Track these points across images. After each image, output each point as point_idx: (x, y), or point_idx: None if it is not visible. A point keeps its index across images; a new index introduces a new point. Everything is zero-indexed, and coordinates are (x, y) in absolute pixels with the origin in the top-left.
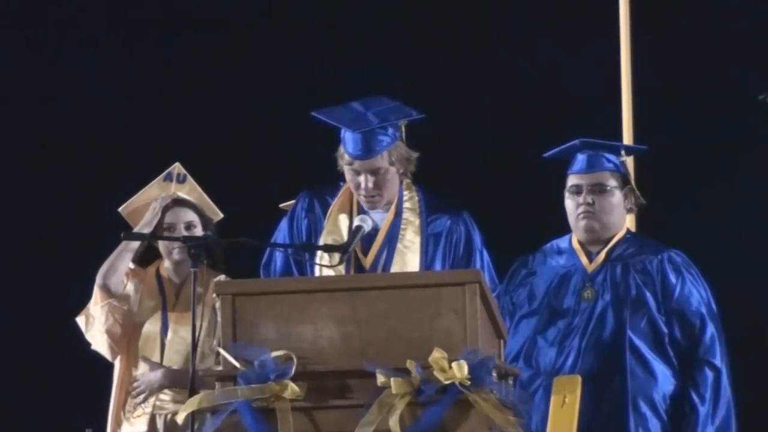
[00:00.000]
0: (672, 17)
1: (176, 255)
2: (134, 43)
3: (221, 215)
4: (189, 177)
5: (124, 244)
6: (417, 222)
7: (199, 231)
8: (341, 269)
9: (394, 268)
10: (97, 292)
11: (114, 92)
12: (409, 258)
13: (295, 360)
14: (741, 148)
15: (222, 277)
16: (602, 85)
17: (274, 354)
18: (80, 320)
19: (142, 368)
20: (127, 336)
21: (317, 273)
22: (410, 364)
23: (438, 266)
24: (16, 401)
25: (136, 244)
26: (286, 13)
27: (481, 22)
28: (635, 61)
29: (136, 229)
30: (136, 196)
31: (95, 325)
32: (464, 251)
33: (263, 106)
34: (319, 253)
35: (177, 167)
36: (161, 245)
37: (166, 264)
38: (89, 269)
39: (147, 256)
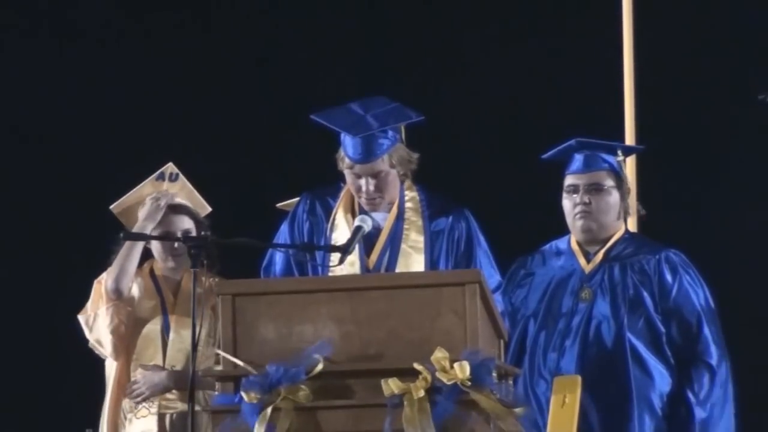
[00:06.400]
0: (674, 17)
1: (171, 263)
2: (132, 42)
3: (209, 209)
4: (181, 175)
5: (129, 244)
6: (419, 221)
7: None
8: (357, 269)
9: (399, 268)
10: (104, 294)
11: (112, 91)
12: (414, 258)
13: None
14: (741, 148)
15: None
16: (604, 86)
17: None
18: (82, 319)
19: (141, 372)
20: (130, 335)
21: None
22: (422, 368)
23: (442, 264)
24: (17, 401)
25: (141, 244)
26: (287, 13)
27: (481, 21)
28: (637, 61)
29: (138, 223)
30: (128, 194)
31: (100, 325)
32: (465, 248)
33: (262, 105)
34: (332, 257)
35: (170, 167)
36: (156, 251)
37: (160, 263)
38: (88, 268)
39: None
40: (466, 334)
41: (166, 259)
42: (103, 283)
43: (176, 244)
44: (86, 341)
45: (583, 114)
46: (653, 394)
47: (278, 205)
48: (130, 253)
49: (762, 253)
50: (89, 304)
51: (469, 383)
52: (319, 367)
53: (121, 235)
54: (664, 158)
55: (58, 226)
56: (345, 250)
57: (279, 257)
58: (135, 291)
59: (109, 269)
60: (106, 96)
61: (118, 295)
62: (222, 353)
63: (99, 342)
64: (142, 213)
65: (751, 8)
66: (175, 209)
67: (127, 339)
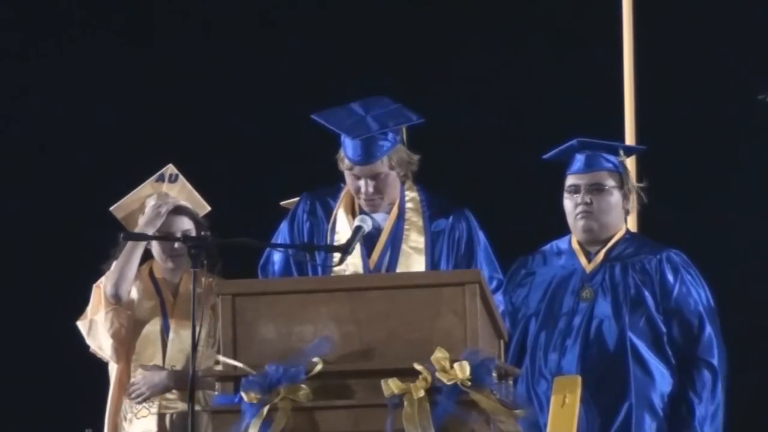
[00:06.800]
0: (674, 18)
1: (170, 263)
2: (132, 42)
3: (209, 208)
4: (181, 176)
5: (129, 249)
6: (420, 222)
7: None
8: (359, 269)
9: (400, 269)
10: (103, 299)
11: (112, 92)
12: (414, 258)
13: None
14: (741, 147)
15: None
16: (604, 86)
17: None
18: (81, 325)
19: (141, 372)
20: (131, 338)
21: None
22: (422, 368)
23: (442, 265)
24: (17, 401)
25: (141, 249)
26: (287, 13)
27: (482, 22)
28: (637, 62)
29: (137, 229)
30: (128, 196)
31: (100, 330)
32: (466, 249)
33: (262, 104)
34: (335, 258)
35: (169, 168)
36: (156, 252)
37: (160, 263)
38: (87, 270)
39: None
40: (466, 334)
41: (165, 260)
42: (102, 287)
43: (176, 245)
44: (86, 344)
45: (583, 114)
46: (654, 394)
47: (282, 203)
48: (129, 258)
49: (762, 253)
50: (89, 309)
51: (469, 383)
52: (319, 367)
53: (122, 235)
54: (664, 158)
55: (59, 228)
56: (345, 250)
57: (277, 256)
58: (134, 293)
59: (108, 273)
60: (106, 97)
61: (117, 300)
62: (222, 359)
63: (100, 347)
64: (142, 220)
65: (751, 9)
66: (175, 210)
67: (127, 342)
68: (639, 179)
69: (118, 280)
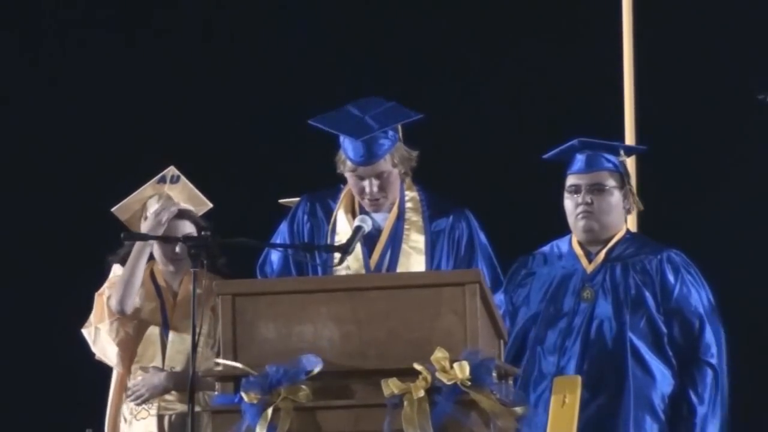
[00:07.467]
0: (674, 17)
1: (171, 267)
2: (133, 41)
3: (210, 205)
4: (182, 177)
5: (132, 262)
6: (420, 221)
7: None
8: (360, 269)
9: (400, 269)
10: (107, 310)
11: (114, 93)
12: (414, 258)
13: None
14: (740, 147)
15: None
16: (605, 85)
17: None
18: (86, 332)
19: (141, 374)
20: (136, 344)
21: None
22: (422, 368)
23: (443, 264)
24: (17, 401)
25: (144, 261)
26: (286, 13)
27: (481, 20)
28: (637, 61)
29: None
30: (129, 197)
31: (104, 338)
32: (466, 248)
33: (262, 103)
34: (336, 258)
35: (171, 170)
36: (157, 255)
37: (161, 266)
38: (87, 270)
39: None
40: (466, 334)
41: (166, 264)
42: (104, 297)
43: (177, 249)
44: (91, 350)
45: (583, 114)
46: (654, 395)
47: (281, 201)
48: (133, 272)
49: (762, 252)
50: (92, 317)
51: (469, 383)
52: (319, 367)
53: (123, 235)
54: (665, 158)
55: (60, 229)
56: (345, 250)
57: (276, 256)
58: (140, 298)
59: (112, 285)
60: (106, 96)
61: (122, 314)
62: (222, 362)
63: (105, 354)
64: (144, 227)
65: (751, 9)
66: (177, 214)
67: (132, 349)
68: (640, 197)
69: (123, 296)
